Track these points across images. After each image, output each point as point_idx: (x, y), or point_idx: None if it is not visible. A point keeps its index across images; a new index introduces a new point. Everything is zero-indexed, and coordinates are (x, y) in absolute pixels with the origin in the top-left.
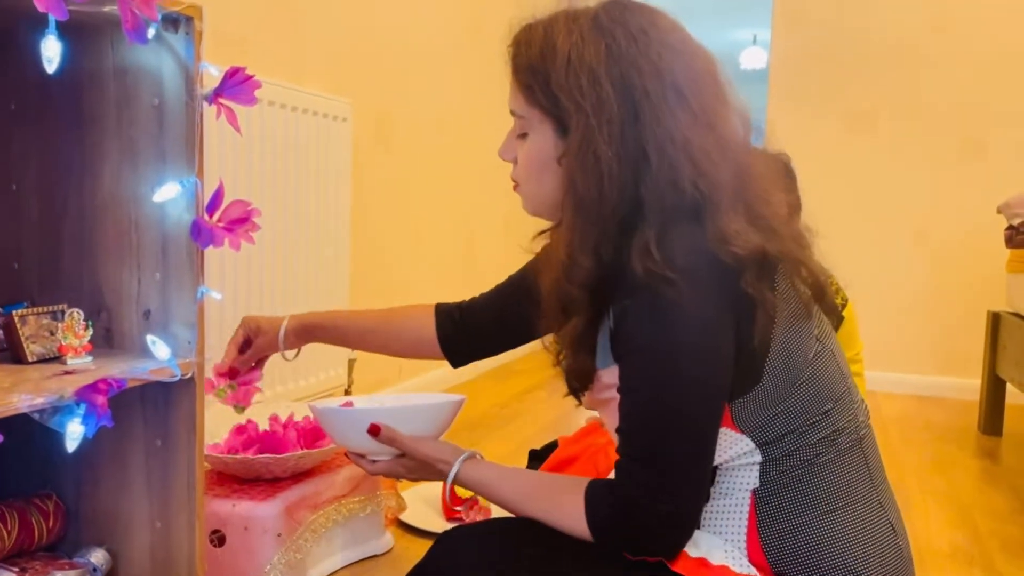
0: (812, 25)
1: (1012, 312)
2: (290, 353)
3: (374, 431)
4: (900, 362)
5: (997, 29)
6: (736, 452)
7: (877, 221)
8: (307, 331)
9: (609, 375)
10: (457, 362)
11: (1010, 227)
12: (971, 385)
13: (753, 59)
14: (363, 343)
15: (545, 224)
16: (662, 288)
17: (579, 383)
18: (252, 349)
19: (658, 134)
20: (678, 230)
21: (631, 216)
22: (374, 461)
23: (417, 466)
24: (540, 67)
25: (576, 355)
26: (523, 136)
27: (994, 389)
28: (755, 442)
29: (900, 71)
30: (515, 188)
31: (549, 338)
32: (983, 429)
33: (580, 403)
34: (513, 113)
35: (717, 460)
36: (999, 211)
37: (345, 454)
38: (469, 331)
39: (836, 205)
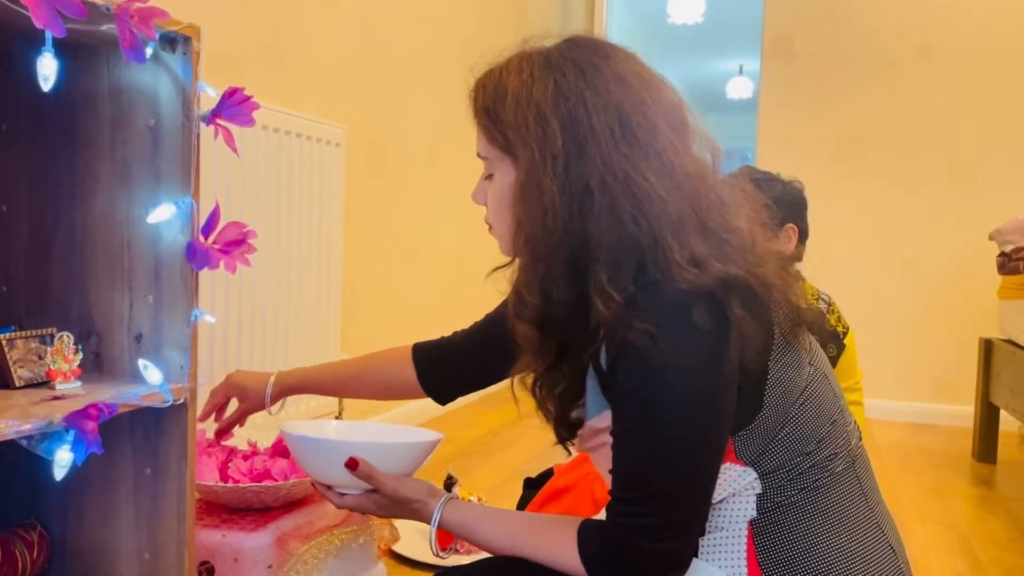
0: (800, 54)
1: (1005, 339)
2: (275, 408)
3: (352, 465)
4: (893, 389)
5: (985, 55)
6: (740, 486)
7: (867, 248)
8: (291, 389)
9: (599, 421)
10: (441, 399)
11: (1002, 254)
12: (964, 412)
13: (739, 89)
14: (346, 391)
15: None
16: (637, 337)
17: (564, 431)
18: (238, 411)
19: (601, 169)
20: (643, 279)
21: (579, 254)
22: (342, 494)
23: (390, 504)
24: (493, 108)
25: (546, 399)
26: (490, 178)
27: (988, 416)
28: (757, 472)
29: (888, 99)
30: (490, 231)
31: (518, 386)
32: (977, 456)
33: (569, 453)
34: (479, 156)
35: (722, 495)
36: (991, 238)
37: (312, 484)
38: (448, 367)
39: (825, 233)
